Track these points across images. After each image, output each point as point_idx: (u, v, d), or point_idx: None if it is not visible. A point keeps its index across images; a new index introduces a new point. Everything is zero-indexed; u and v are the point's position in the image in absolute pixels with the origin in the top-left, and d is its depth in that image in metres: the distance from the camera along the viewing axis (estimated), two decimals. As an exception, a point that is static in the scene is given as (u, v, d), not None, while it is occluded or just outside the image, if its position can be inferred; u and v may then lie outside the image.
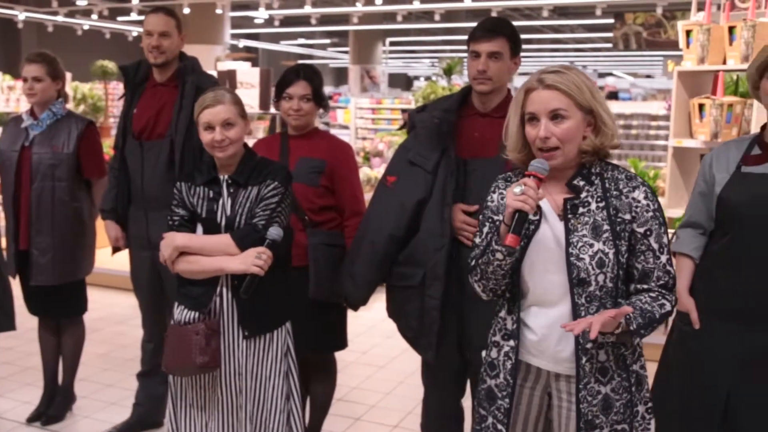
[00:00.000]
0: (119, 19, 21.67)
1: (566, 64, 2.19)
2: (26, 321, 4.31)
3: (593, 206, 2.13)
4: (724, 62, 4.69)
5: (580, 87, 2.09)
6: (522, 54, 3.00)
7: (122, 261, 4.14)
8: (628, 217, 2.12)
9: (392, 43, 25.90)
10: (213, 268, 2.75)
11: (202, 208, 2.83)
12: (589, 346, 2.12)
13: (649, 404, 2.24)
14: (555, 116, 2.09)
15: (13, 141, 3.94)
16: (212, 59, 13.58)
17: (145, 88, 3.85)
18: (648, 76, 35.21)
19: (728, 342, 2.62)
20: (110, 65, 15.20)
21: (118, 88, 16.02)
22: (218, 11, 17.18)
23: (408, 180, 2.98)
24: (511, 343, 2.26)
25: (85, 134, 3.98)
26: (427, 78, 20.40)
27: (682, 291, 2.78)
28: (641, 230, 2.12)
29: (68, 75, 11.45)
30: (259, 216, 2.76)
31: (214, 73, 8.01)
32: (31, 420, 4.22)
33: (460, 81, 12.35)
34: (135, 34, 22.07)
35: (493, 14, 14.74)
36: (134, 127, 3.80)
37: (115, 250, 4.00)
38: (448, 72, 11.81)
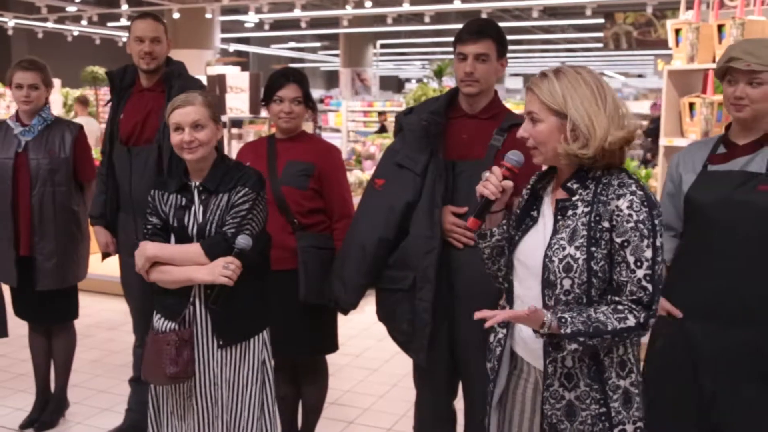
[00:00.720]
0: (109, 24, 21.66)
1: (568, 66, 2.16)
2: (18, 328, 4.29)
3: (579, 210, 2.10)
4: (714, 61, 4.69)
5: (554, 92, 2.08)
6: (513, 55, 3.01)
7: (113, 266, 4.13)
8: (607, 225, 2.05)
9: (383, 46, 25.91)
10: (183, 278, 2.71)
11: (173, 216, 2.79)
12: (550, 350, 2.11)
13: (639, 423, 2.16)
14: (531, 118, 2.14)
15: (2, 148, 3.92)
16: (202, 64, 13.58)
17: (132, 94, 3.84)
18: (639, 76, 35.32)
19: (709, 343, 2.61)
20: (100, 71, 15.18)
21: (108, 93, 16.03)
22: (208, 15, 17.18)
23: (396, 183, 2.96)
24: (504, 331, 2.32)
25: (78, 138, 4.00)
26: (419, 80, 20.43)
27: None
28: (618, 240, 2.04)
29: (59, 81, 11.47)
30: (229, 224, 2.71)
31: (204, 78, 8.00)
32: (24, 427, 4.20)
33: (451, 83, 12.35)
34: (125, 39, 22.05)
35: (483, 15, 14.77)
36: (121, 133, 3.79)
37: (105, 255, 3.99)
38: (438, 74, 11.83)
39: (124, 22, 18.14)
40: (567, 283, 2.07)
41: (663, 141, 5.12)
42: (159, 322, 2.84)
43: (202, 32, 17.63)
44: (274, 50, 31.96)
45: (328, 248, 3.38)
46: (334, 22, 23.30)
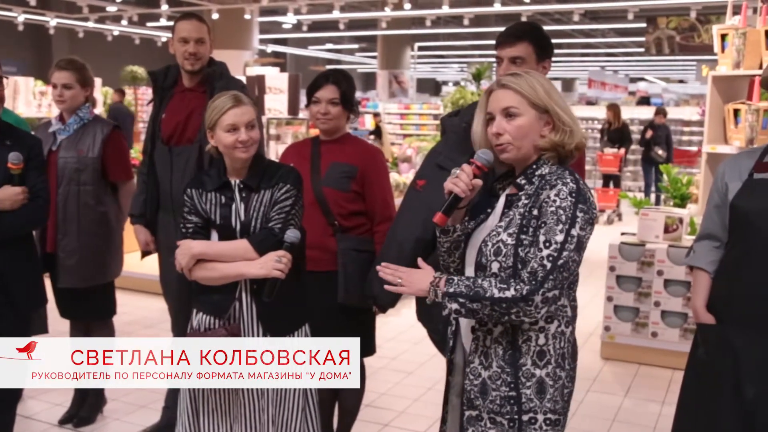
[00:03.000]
0: (148, 24, 21.91)
1: (529, 70, 2.29)
2: (58, 324, 4.33)
3: (521, 202, 2.19)
4: (761, 67, 4.61)
5: (533, 87, 2.19)
6: (552, 59, 2.96)
7: (152, 265, 4.16)
8: (536, 212, 2.13)
9: (421, 48, 25.90)
10: (233, 274, 2.73)
11: (216, 214, 2.80)
12: (477, 326, 2.22)
13: (550, 415, 2.17)
14: (508, 114, 2.20)
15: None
16: (241, 64, 13.68)
17: (174, 94, 3.86)
18: (680, 81, 34.95)
19: (751, 350, 2.60)
20: (139, 70, 15.34)
21: (147, 93, 16.16)
22: (247, 17, 17.30)
23: (436, 184, 2.95)
24: (455, 323, 2.40)
25: (110, 138, 3.99)
26: (456, 83, 20.38)
27: (699, 308, 2.79)
28: (539, 223, 2.12)
29: (98, 80, 11.62)
30: (275, 220, 2.75)
31: (243, 79, 8.04)
32: (62, 422, 4.25)
33: (489, 86, 12.30)
34: (164, 39, 22.31)
35: (523, 18, 14.69)
36: (163, 132, 3.81)
37: (145, 254, 4.02)
38: (477, 77, 11.76)
39: (163, 22, 18.33)
40: (495, 266, 2.15)
41: (706, 148, 5.05)
42: (201, 319, 2.85)
43: (241, 33, 17.75)
44: (311, 51, 32.08)
45: (368, 251, 3.38)
46: (372, 23, 23.35)
